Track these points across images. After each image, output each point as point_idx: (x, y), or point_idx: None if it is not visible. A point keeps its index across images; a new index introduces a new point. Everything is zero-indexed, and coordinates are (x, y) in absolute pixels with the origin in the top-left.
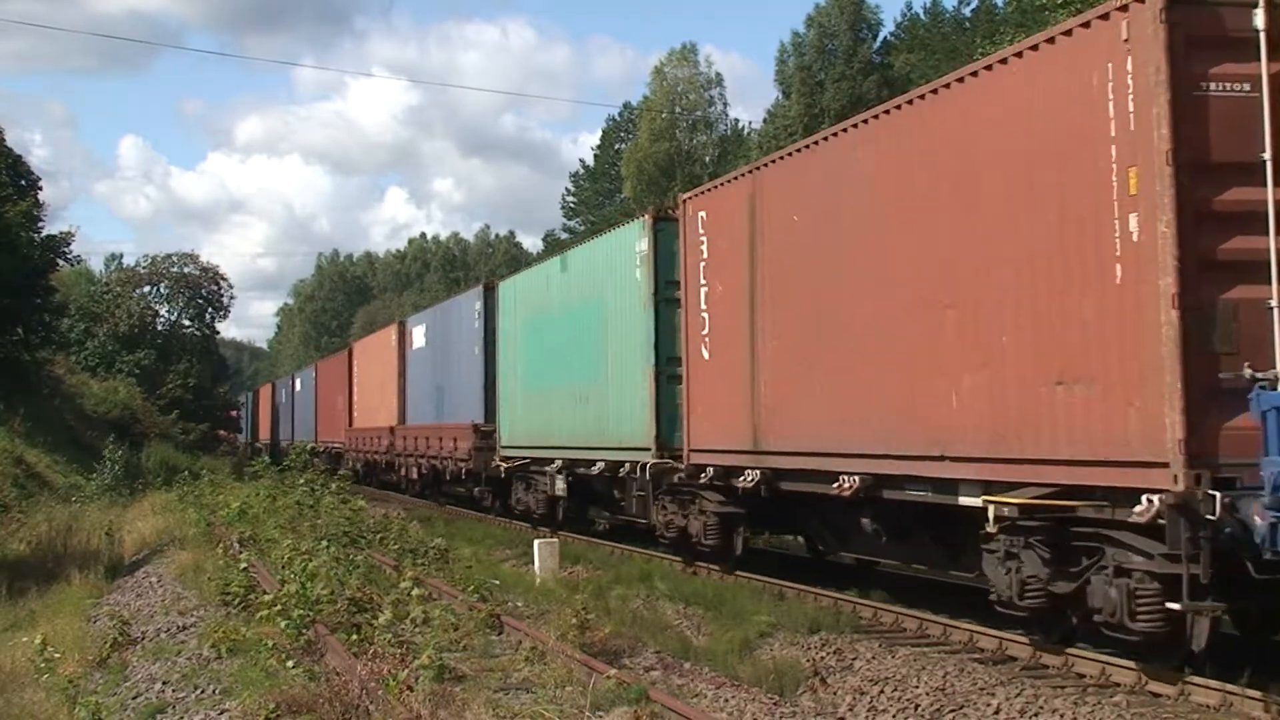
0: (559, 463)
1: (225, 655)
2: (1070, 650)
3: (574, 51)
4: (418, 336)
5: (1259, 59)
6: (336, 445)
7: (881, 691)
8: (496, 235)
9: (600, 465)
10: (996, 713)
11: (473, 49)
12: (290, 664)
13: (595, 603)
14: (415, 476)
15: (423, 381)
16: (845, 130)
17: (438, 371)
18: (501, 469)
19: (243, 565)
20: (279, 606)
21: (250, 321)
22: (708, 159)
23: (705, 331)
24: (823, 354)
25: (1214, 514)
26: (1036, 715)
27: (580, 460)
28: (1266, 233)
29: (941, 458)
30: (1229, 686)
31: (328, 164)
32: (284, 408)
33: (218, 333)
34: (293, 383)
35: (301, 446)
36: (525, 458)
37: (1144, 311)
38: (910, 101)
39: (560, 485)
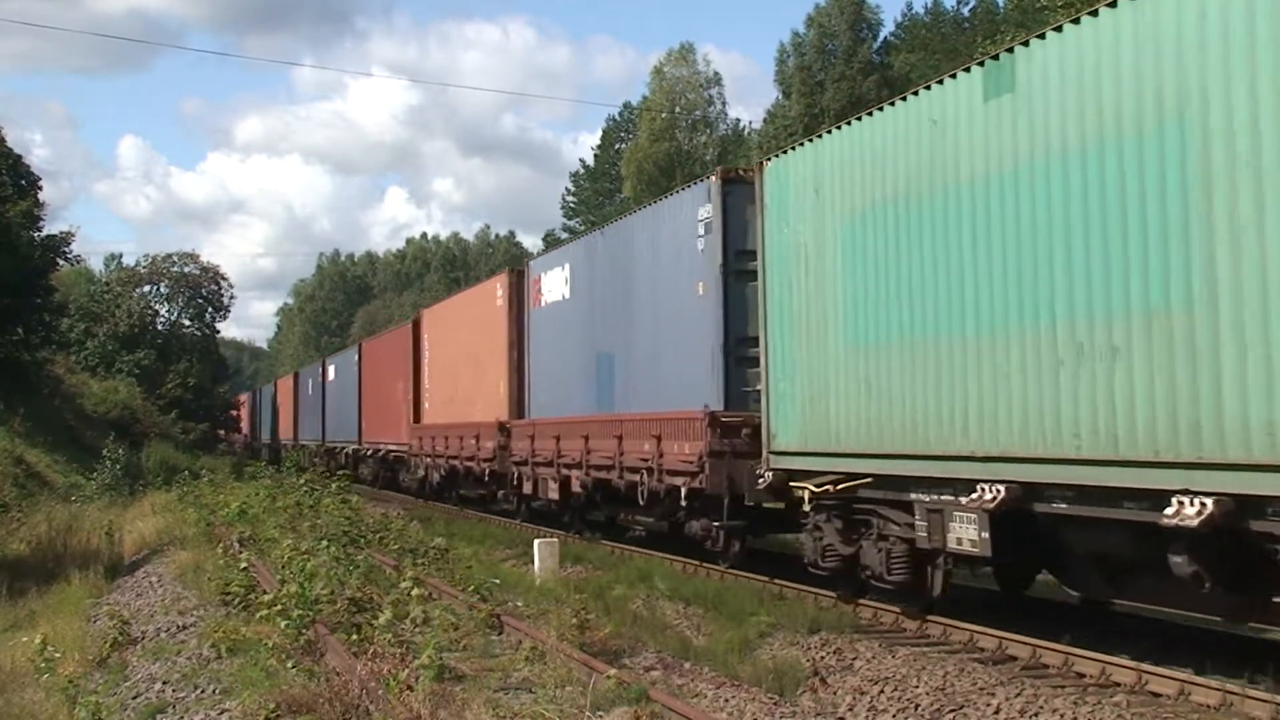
0: (986, 494)
1: (225, 655)
2: (1070, 650)
3: (574, 51)
4: (553, 285)
5: None
6: (394, 448)
7: (881, 691)
8: (496, 235)
9: (1202, 508)
10: (996, 713)
11: (473, 49)
12: (290, 664)
13: (595, 603)
14: (552, 497)
15: (565, 352)
16: None
17: (600, 333)
18: (803, 495)
19: (243, 565)
20: (279, 606)
21: (250, 321)
22: (708, 158)
23: None
24: None
25: None
26: (1036, 715)
27: (1070, 488)
28: None
29: None
30: (1229, 686)
31: (328, 164)
32: (310, 402)
33: (218, 332)
34: (322, 371)
35: (298, 449)
36: (858, 475)
37: None
38: None
39: (975, 535)
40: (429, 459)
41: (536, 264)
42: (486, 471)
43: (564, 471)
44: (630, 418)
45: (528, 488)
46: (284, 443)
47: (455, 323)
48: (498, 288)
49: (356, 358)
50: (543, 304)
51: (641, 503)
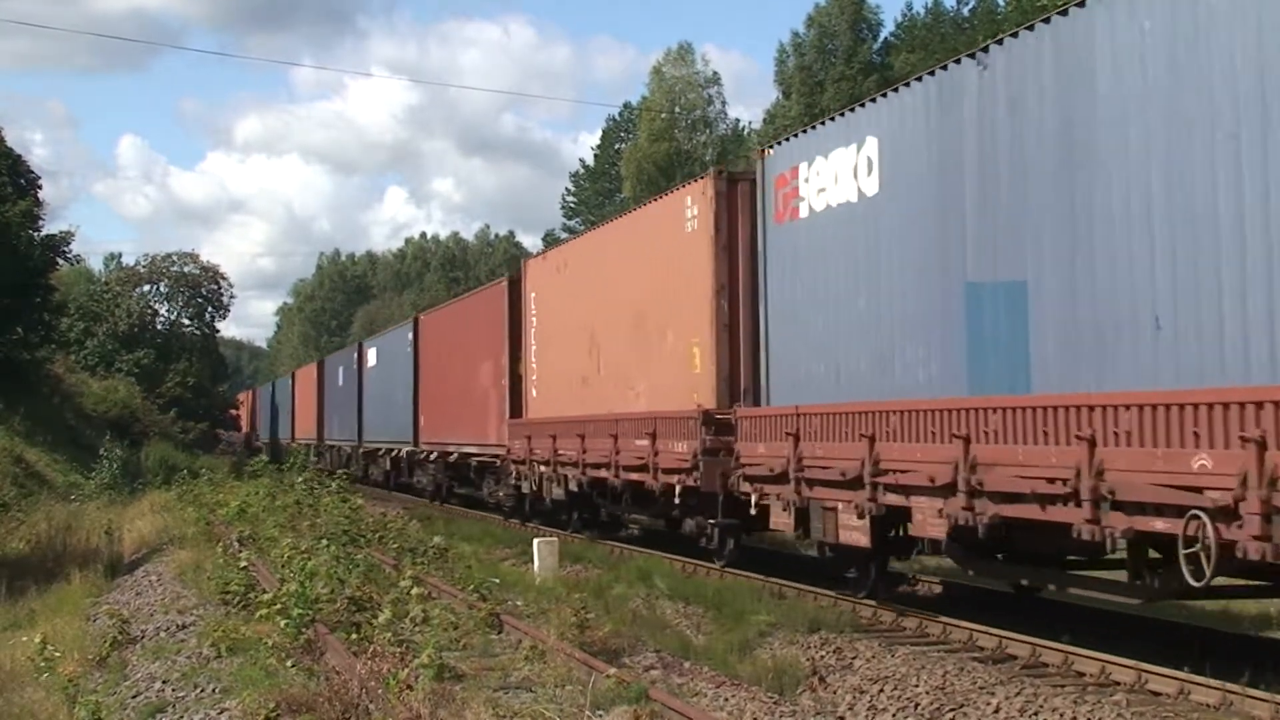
0: None
1: (225, 654)
2: (1070, 650)
3: (574, 51)
4: (832, 178)
5: None
6: (475, 450)
7: (881, 690)
8: (496, 235)
9: None
10: (996, 712)
11: (473, 48)
12: (290, 663)
13: (595, 602)
14: (851, 540)
15: (867, 287)
16: None
17: (975, 248)
18: None
19: (242, 564)
20: (279, 605)
21: (250, 321)
22: (707, 158)
23: None
24: None
25: None
26: (1036, 714)
27: None
28: None
29: None
30: (1229, 686)
31: (328, 163)
32: (340, 395)
33: (217, 332)
34: (359, 357)
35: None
36: None
37: None
38: None
39: None
40: (543, 467)
41: (790, 150)
42: (676, 489)
43: (885, 499)
44: (1136, 400)
45: (780, 519)
46: (305, 443)
47: (593, 270)
48: (688, 204)
49: (411, 337)
50: (803, 215)
51: (1198, 579)
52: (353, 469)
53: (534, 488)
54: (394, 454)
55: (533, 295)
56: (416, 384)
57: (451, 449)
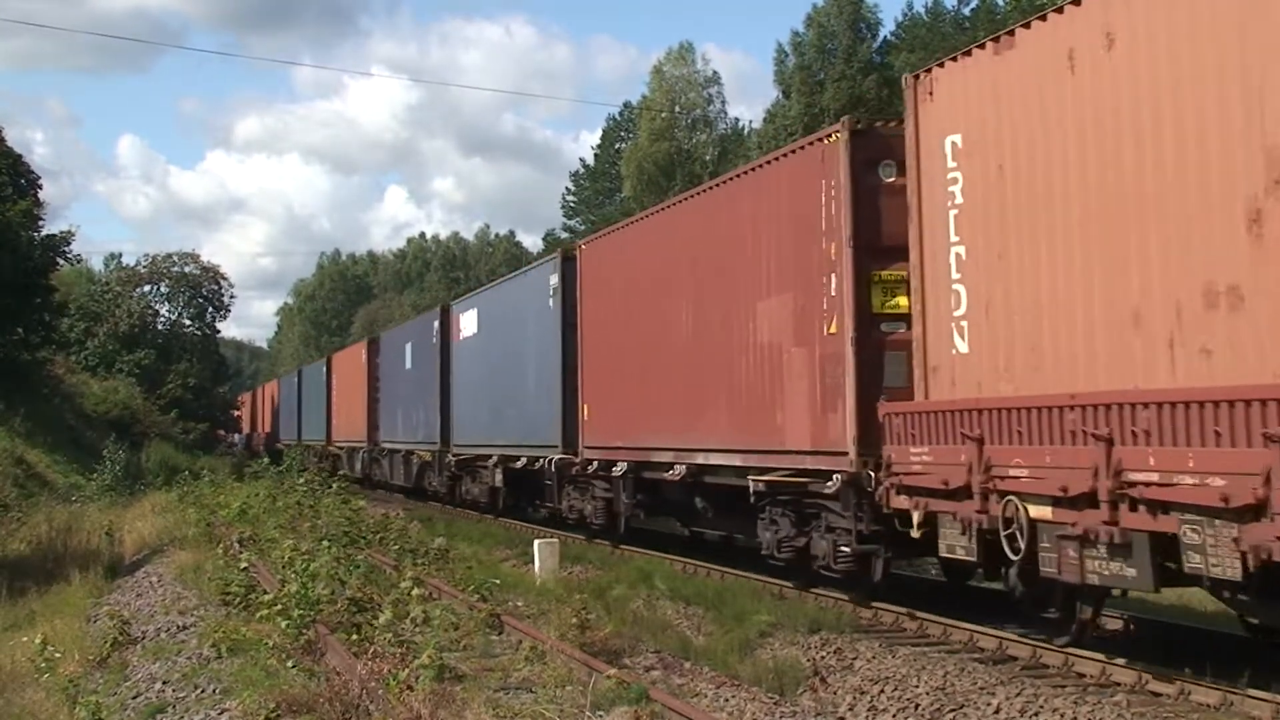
0: None
1: (225, 655)
2: (1070, 650)
3: (575, 50)
4: None
5: None
6: (746, 463)
7: (882, 691)
8: (496, 235)
9: None
10: (997, 712)
11: (474, 47)
12: (290, 664)
13: (595, 602)
14: None
15: None
16: None
17: None
18: None
19: (243, 565)
20: (279, 606)
21: (250, 321)
22: (708, 158)
23: None
24: None
25: None
26: (1037, 715)
27: None
28: None
29: None
30: (1229, 686)
31: (328, 163)
32: (406, 382)
33: (218, 332)
34: (442, 328)
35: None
36: None
37: None
38: None
39: None
40: (1038, 509)
41: None
42: None
43: None
44: None
45: None
46: (350, 446)
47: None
48: None
49: (556, 281)
50: None
51: None
52: (431, 483)
53: (984, 550)
54: (518, 465)
55: (950, 142)
56: (571, 355)
57: (664, 459)
